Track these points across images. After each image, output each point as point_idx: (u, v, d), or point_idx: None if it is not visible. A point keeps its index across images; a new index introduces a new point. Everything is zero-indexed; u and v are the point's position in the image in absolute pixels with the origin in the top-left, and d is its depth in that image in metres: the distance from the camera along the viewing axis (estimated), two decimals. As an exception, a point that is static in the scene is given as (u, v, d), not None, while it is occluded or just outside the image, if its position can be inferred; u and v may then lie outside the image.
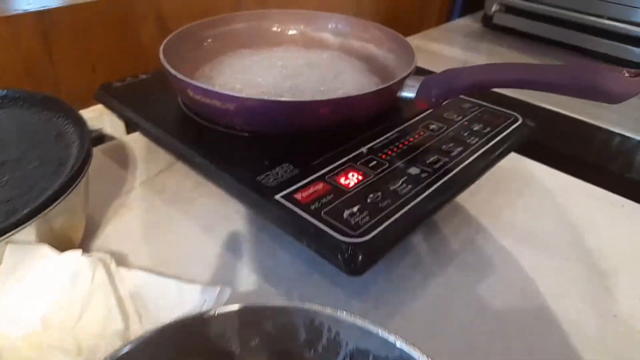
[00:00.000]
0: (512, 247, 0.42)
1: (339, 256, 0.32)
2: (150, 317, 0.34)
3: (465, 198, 0.47)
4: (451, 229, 0.44)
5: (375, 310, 0.36)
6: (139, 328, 0.33)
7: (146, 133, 0.47)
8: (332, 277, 0.38)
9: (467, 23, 1.04)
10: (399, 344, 0.24)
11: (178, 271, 0.38)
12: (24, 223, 0.31)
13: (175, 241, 0.41)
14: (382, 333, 0.24)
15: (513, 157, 0.54)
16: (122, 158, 0.52)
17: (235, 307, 0.26)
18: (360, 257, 0.32)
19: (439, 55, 0.85)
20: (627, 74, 0.35)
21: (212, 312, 0.25)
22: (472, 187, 0.48)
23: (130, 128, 0.58)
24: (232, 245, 0.41)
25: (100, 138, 0.58)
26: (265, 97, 0.41)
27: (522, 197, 0.49)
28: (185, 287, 0.35)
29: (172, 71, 0.42)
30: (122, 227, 0.43)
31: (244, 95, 0.40)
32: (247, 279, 0.38)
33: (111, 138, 0.58)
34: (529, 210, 0.47)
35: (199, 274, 0.38)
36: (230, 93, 0.40)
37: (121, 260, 0.38)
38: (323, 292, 0.38)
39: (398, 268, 0.40)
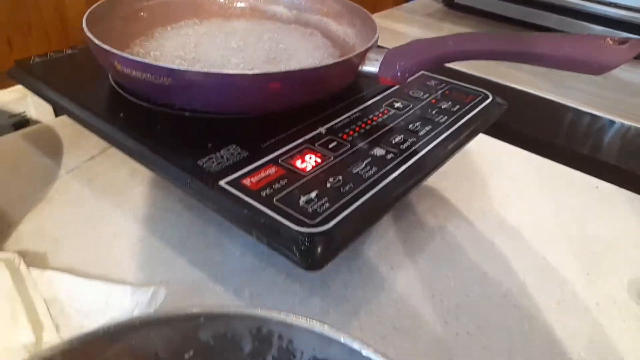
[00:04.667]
0: (485, 235, 0.39)
1: (295, 249, 0.28)
2: (70, 325, 0.28)
3: (434, 182, 0.44)
4: (420, 215, 0.40)
5: (337, 307, 0.32)
6: (55, 339, 0.27)
7: (72, 115, 0.41)
8: (289, 272, 0.34)
9: (428, 3, 1.00)
10: (365, 352, 0.19)
11: (107, 272, 0.32)
12: None
13: (105, 237, 0.36)
14: (344, 340, 0.20)
15: (483, 139, 0.51)
16: (47, 144, 0.45)
17: (163, 313, 0.21)
18: (318, 250, 0.28)
19: (400, 34, 0.82)
20: (611, 42, 0.32)
21: (135, 320, 0.20)
22: (442, 171, 0.44)
23: (58, 111, 0.51)
24: (172, 240, 0.36)
25: (24, 123, 0.51)
26: (205, 70, 0.36)
27: (493, 181, 0.45)
28: (112, 288, 0.29)
29: (96, 41, 0.36)
30: (41, 223, 0.36)
31: (179, 67, 0.34)
32: (190, 278, 0.33)
33: (37, 123, 0.51)
34: (501, 195, 0.44)
35: (133, 273, 0.33)
36: (164, 65, 0.34)
37: (37, 262, 0.32)
38: (278, 290, 0.33)
39: (362, 259, 0.36)
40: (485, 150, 0.50)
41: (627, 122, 0.54)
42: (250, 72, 0.34)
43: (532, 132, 0.56)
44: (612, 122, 0.55)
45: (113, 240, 0.35)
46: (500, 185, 0.45)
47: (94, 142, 0.45)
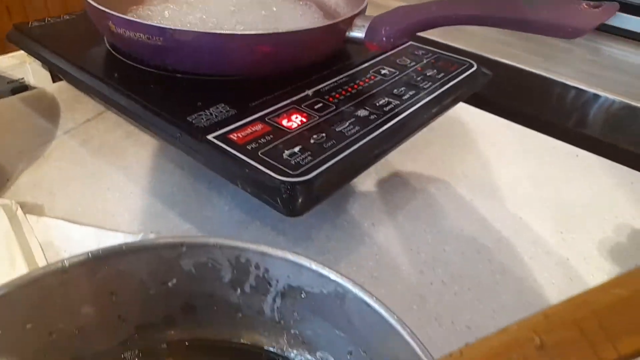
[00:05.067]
0: (465, 196, 0.40)
1: (277, 197, 0.29)
2: (65, 270, 0.30)
3: (418, 149, 0.45)
4: (403, 178, 0.42)
5: (319, 257, 0.33)
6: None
7: (69, 77, 0.42)
8: (274, 225, 0.35)
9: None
10: (334, 276, 0.21)
11: (100, 223, 0.34)
12: None
13: (99, 192, 0.37)
14: (314, 266, 0.21)
15: (469, 110, 0.52)
16: (44, 107, 0.47)
17: (147, 241, 0.22)
18: (299, 198, 0.29)
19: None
20: (586, 6, 0.33)
21: (122, 246, 0.22)
22: (427, 138, 0.46)
23: (56, 77, 0.52)
24: (165, 195, 0.37)
25: (22, 89, 0.52)
26: (196, 29, 0.37)
27: (476, 148, 0.47)
28: (104, 234, 0.31)
29: (92, 2, 0.37)
30: (38, 177, 0.38)
31: (170, 26, 0.35)
32: (179, 229, 0.35)
33: (34, 89, 0.52)
34: (483, 160, 0.45)
35: (126, 225, 0.34)
36: (155, 24, 0.35)
37: (34, 212, 0.34)
38: (263, 242, 0.34)
39: (345, 215, 0.37)
40: (471, 120, 0.51)
41: (611, 96, 0.55)
42: (238, 33, 0.35)
43: (518, 106, 0.58)
44: (597, 96, 0.56)
45: (106, 194, 0.37)
46: (483, 152, 0.46)
47: (90, 107, 0.47)
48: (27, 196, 0.36)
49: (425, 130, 0.46)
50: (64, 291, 0.21)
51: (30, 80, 0.52)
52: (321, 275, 0.21)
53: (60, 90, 0.49)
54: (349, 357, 0.22)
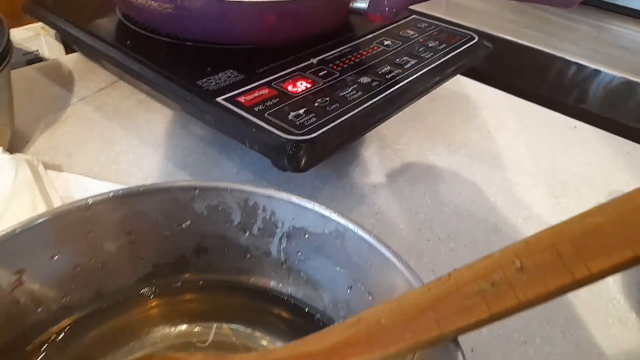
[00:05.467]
0: (463, 163, 0.42)
1: (283, 154, 0.31)
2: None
3: (420, 119, 0.47)
4: (404, 145, 0.43)
5: (322, 216, 0.35)
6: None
7: (83, 45, 0.44)
8: (280, 185, 0.37)
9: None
10: (335, 216, 0.23)
11: (115, 181, 0.36)
12: None
13: (114, 154, 0.39)
14: (317, 208, 0.23)
15: (470, 83, 0.54)
16: (59, 77, 0.48)
17: (162, 183, 0.24)
18: (304, 154, 0.31)
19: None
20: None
21: (138, 188, 0.24)
22: (428, 109, 0.48)
23: (69, 49, 0.54)
24: (176, 157, 0.39)
25: (37, 60, 0.54)
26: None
27: (476, 119, 0.48)
28: (122, 187, 0.33)
29: (106, -30, 0.39)
30: (55, 140, 0.40)
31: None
32: (190, 188, 0.36)
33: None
34: (483, 130, 0.47)
35: (138, 183, 0.36)
36: (168, -10, 0.37)
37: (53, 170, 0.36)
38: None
39: (347, 178, 0.39)
40: (472, 93, 0.52)
41: (612, 72, 0.56)
42: (245, 0, 0.37)
43: (519, 81, 0.59)
44: (597, 72, 0.57)
45: (120, 157, 0.39)
46: (483, 122, 0.48)
47: (103, 77, 0.48)
48: (45, 157, 0.38)
49: (426, 101, 0.47)
50: (87, 227, 0.23)
51: (45, 52, 0.54)
52: (323, 216, 0.23)
53: (74, 61, 0.51)
54: (348, 292, 0.24)
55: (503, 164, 0.42)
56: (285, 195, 0.24)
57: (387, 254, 0.21)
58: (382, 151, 0.42)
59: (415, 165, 0.41)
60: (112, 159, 0.38)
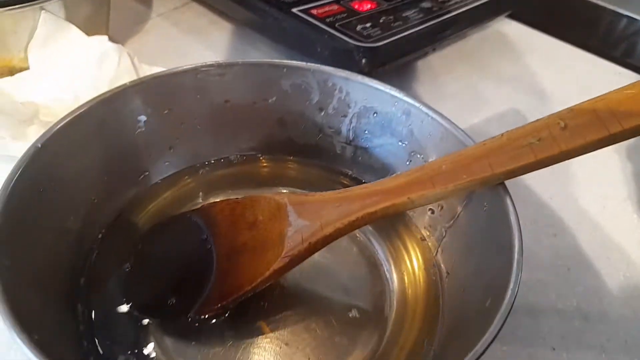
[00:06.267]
0: (509, 94, 0.45)
1: (351, 58, 0.35)
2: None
3: (471, 55, 0.49)
4: (454, 75, 0.46)
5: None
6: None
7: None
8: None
9: None
10: (403, 96, 0.27)
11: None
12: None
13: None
14: (390, 89, 0.27)
15: (521, 27, 0.56)
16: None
17: (257, 60, 0.28)
18: (370, 59, 0.35)
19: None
20: None
21: (237, 62, 0.28)
22: (479, 47, 0.50)
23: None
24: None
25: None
26: None
27: (523, 58, 0.51)
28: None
29: None
30: (141, 46, 0.44)
31: None
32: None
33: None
34: (529, 68, 0.49)
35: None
36: None
37: (141, 69, 0.40)
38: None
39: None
40: (522, 35, 0.54)
41: (663, 26, 0.57)
42: None
43: (569, 33, 0.60)
44: (648, 25, 0.58)
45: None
46: (531, 62, 0.50)
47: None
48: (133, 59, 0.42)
49: (479, 40, 0.50)
50: (195, 91, 0.27)
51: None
52: (393, 96, 0.27)
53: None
54: (407, 164, 0.28)
55: (548, 99, 0.45)
56: (360, 78, 0.28)
57: (447, 125, 0.25)
58: (432, 80, 0.45)
59: (464, 93, 0.44)
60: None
